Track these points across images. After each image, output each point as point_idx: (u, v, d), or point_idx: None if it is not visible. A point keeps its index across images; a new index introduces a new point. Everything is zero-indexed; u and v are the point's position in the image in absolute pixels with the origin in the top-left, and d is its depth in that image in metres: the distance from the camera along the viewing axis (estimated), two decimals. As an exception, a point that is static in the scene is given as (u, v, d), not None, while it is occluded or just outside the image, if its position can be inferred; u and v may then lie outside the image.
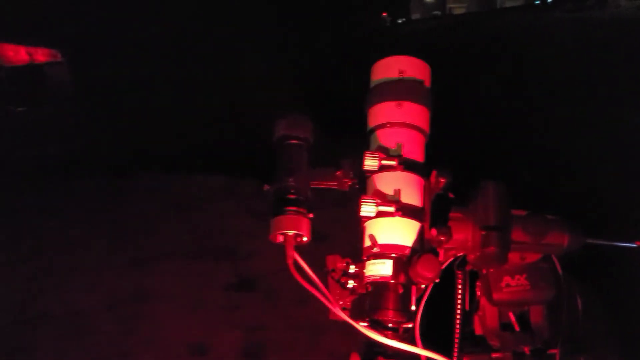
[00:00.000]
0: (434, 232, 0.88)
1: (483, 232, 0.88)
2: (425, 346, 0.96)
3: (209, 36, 2.82)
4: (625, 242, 0.95)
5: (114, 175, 3.09)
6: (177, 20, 2.83)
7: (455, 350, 1.04)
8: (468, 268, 1.06)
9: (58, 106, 3.18)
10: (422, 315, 0.99)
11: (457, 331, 1.05)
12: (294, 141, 0.99)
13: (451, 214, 0.92)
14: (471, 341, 1.06)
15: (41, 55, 3.33)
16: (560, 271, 1.01)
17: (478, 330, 1.07)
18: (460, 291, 1.05)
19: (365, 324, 0.90)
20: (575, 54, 2.83)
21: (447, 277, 1.12)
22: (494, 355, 1.02)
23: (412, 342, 0.89)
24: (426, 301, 1.02)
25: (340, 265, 0.96)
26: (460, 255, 1.02)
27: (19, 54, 3.30)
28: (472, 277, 1.09)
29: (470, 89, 2.81)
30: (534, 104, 2.77)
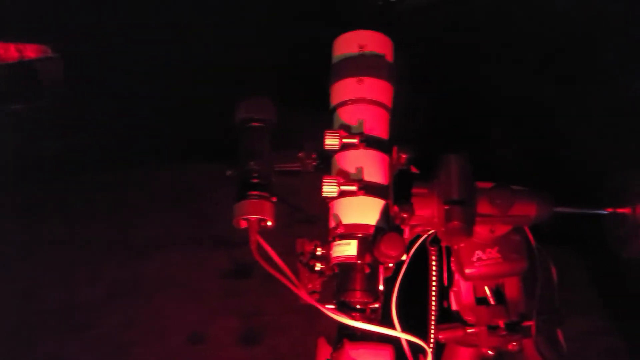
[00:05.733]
0: (396, 209, 0.87)
1: (446, 207, 0.86)
2: (401, 324, 0.95)
3: (204, 26, 2.82)
4: (595, 209, 0.93)
5: (110, 168, 3.09)
6: (170, 11, 2.83)
7: (431, 326, 1.03)
8: (443, 244, 1.05)
9: (52, 102, 3.18)
10: (397, 294, 0.98)
11: (433, 308, 1.04)
12: (256, 124, 0.98)
13: (414, 190, 0.90)
14: (447, 317, 1.05)
15: (31, 51, 3.31)
16: (533, 242, 1.00)
17: (454, 306, 1.05)
18: (434, 268, 1.04)
19: (332, 306, 0.89)
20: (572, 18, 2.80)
21: (424, 254, 1.11)
22: (468, 330, 1.01)
23: (380, 322, 0.88)
24: (403, 279, 1.01)
25: (308, 248, 0.95)
26: (432, 232, 1.01)
27: (8, 52, 3.29)
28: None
29: (467, 67, 2.77)
30: (525, 73, 2.74)
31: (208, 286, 2.65)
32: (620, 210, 0.91)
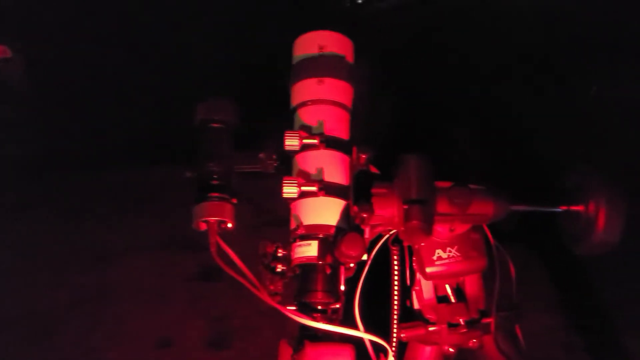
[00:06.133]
0: (355, 209, 0.87)
1: (406, 206, 0.87)
2: (364, 324, 0.95)
3: (168, 28, 2.78)
4: (550, 207, 0.95)
5: (74, 172, 3.02)
6: (135, 13, 2.78)
7: (394, 325, 1.04)
8: (405, 244, 1.06)
9: (13, 104, 3.09)
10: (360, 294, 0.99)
11: (395, 307, 1.05)
12: (215, 125, 0.97)
13: (374, 190, 0.90)
14: (410, 316, 1.06)
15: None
16: (492, 240, 1.02)
17: (416, 305, 1.06)
18: (396, 267, 1.05)
19: (294, 308, 0.89)
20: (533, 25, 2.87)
21: (387, 254, 1.11)
22: (430, 328, 1.01)
23: (341, 322, 0.88)
24: (366, 279, 1.01)
25: (270, 249, 0.94)
26: (394, 232, 1.01)
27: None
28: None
29: (432, 68, 2.81)
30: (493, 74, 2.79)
31: (176, 290, 2.62)
32: (573, 208, 0.93)
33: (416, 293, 1.05)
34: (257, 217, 2.25)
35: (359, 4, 3.19)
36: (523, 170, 2.23)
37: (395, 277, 1.04)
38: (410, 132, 2.45)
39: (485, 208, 0.92)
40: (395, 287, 1.04)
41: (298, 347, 0.84)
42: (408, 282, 1.07)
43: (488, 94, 2.70)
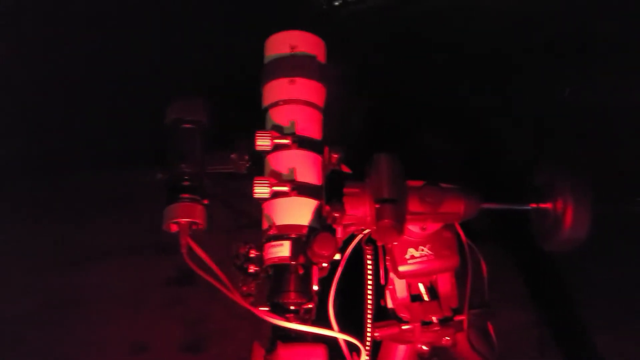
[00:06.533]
0: (327, 208, 0.87)
1: (377, 206, 0.87)
2: (339, 324, 0.95)
3: (141, 30, 2.73)
4: (520, 205, 0.97)
5: (45, 175, 2.95)
6: (105, 16, 2.72)
7: (368, 325, 1.04)
8: (379, 243, 1.06)
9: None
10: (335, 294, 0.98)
11: (369, 306, 1.05)
12: (187, 125, 0.96)
13: (346, 190, 0.90)
14: (384, 315, 1.06)
15: None
16: (464, 238, 1.02)
17: (390, 304, 1.07)
18: (369, 267, 1.05)
19: (266, 309, 0.88)
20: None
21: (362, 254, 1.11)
22: (403, 326, 1.02)
23: (313, 322, 0.88)
24: (342, 279, 1.01)
25: (242, 250, 0.94)
26: (368, 231, 1.01)
27: None
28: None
29: (406, 70, 2.84)
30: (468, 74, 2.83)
31: (150, 295, 2.58)
32: (542, 206, 0.95)
33: (390, 292, 1.05)
34: (232, 219, 2.24)
35: (336, 6, 3.20)
36: (496, 169, 2.27)
37: (369, 277, 1.04)
38: (383, 132, 2.47)
39: (456, 207, 0.93)
40: (369, 287, 1.04)
41: (271, 348, 0.83)
42: (383, 281, 1.08)
43: (461, 94, 2.74)
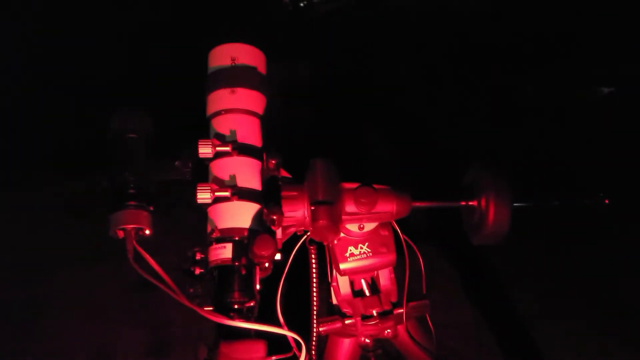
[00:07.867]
0: (265, 211, 0.91)
1: (313, 207, 0.92)
2: (288, 321, 1.00)
3: (74, 34, 2.71)
4: (450, 203, 1.03)
5: (6, 182, 2.92)
6: (49, 24, 2.69)
7: (313, 321, 1.09)
8: (325, 243, 1.11)
9: None
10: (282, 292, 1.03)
11: (314, 303, 1.10)
12: (131, 135, 0.99)
13: (284, 193, 0.95)
14: (328, 311, 1.12)
15: None
16: (402, 236, 1.08)
17: (334, 300, 1.12)
18: (314, 265, 1.10)
19: (210, 308, 0.92)
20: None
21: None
22: (346, 321, 1.07)
23: (256, 320, 0.92)
24: (293, 278, 1.06)
25: (189, 254, 0.98)
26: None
27: None
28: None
29: (381, 71, 2.90)
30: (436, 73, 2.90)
31: (114, 301, 2.58)
32: (470, 204, 1.02)
33: (334, 289, 1.11)
34: (178, 224, 2.25)
35: (301, 7, 3.25)
36: (435, 169, 2.34)
37: (314, 275, 1.09)
38: (324, 136, 2.52)
39: (389, 206, 0.99)
40: (314, 284, 1.09)
41: (213, 347, 0.88)
42: (329, 279, 1.13)
43: (406, 94, 2.80)
